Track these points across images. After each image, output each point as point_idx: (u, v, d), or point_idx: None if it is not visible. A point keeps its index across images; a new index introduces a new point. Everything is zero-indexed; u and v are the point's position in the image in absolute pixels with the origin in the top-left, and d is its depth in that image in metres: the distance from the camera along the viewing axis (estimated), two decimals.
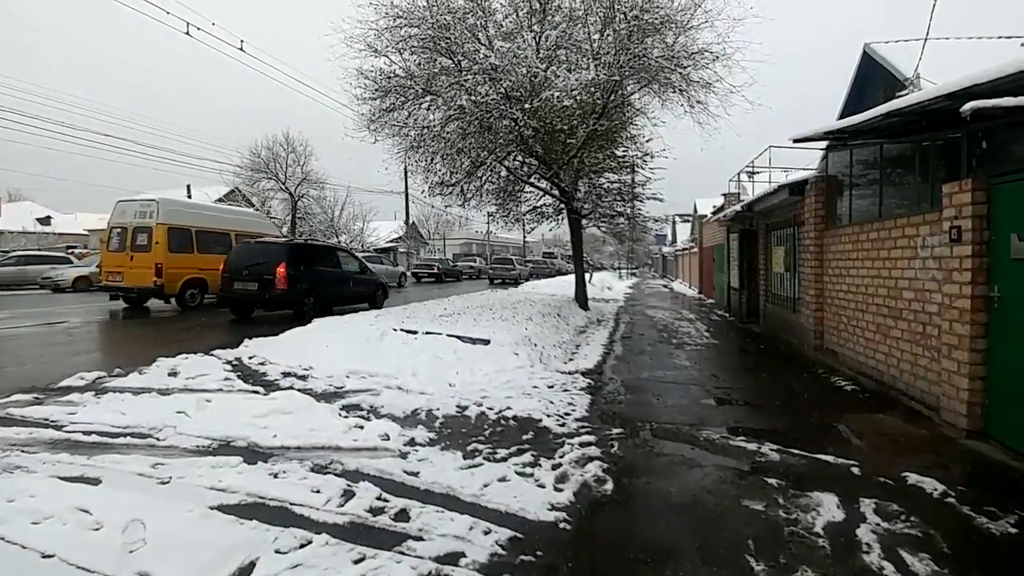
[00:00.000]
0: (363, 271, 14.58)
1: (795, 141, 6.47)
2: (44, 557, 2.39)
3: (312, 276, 12.02)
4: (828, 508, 3.10)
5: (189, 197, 29.87)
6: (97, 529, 2.60)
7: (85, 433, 3.99)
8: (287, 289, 11.20)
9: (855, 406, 5.51)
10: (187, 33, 15.59)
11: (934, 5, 7.45)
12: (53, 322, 10.53)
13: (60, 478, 3.15)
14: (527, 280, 30.14)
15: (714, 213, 21.64)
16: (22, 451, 3.57)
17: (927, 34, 7.95)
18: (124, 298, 13.07)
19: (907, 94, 6.26)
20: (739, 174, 17.14)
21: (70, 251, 29.24)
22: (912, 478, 3.54)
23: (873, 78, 11.88)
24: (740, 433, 4.51)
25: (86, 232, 44.38)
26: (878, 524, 2.94)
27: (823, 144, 8.13)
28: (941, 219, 4.86)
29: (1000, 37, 10.21)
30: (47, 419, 4.26)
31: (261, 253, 11.75)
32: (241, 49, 18.20)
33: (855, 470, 3.71)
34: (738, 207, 12.69)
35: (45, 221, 45.46)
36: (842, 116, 11.89)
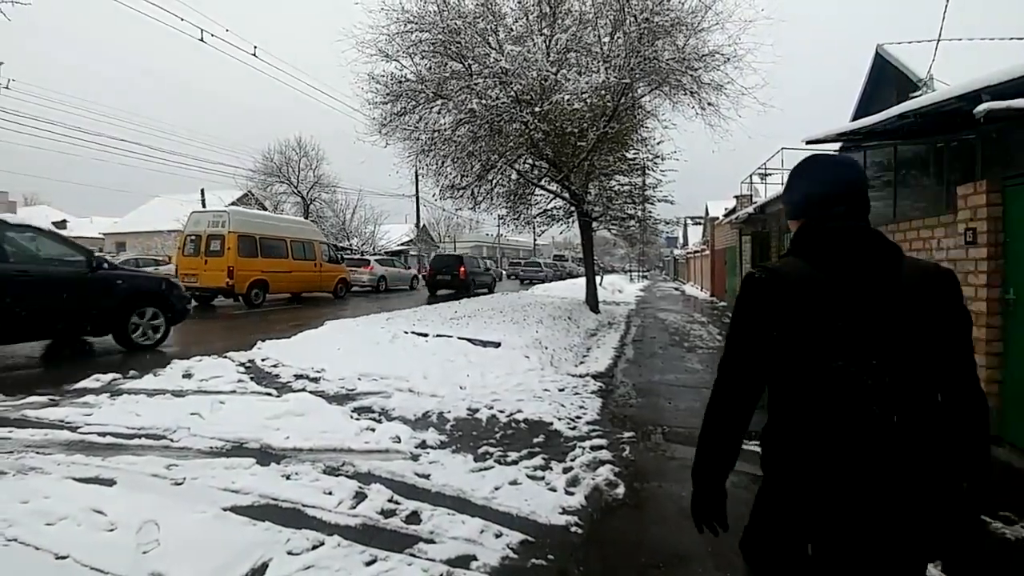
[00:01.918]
0: (488, 270, 25.43)
1: (808, 143, 6.42)
2: (58, 558, 2.40)
3: (472, 272, 22.00)
4: None
5: (203, 202, 30.20)
6: (111, 530, 2.62)
7: (100, 434, 4.03)
8: (464, 279, 20.82)
9: None
10: (201, 39, 15.80)
11: (946, 6, 7.37)
12: None
13: (75, 479, 3.18)
14: (551, 281, 31.79)
15: (726, 215, 21.52)
16: (37, 452, 3.61)
17: (940, 35, 7.86)
18: (195, 297, 14.36)
19: (921, 95, 6.20)
20: (751, 176, 17.04)
21: None
22: None
23: (886, 79, 11.78)
24: (753, 437, 4.45)
25: (101, 236, 44.97)
26: None
27: (836, 146, 8.06)
28: (956, 221, 4.80)
29: (1014, 38, 10.09)
30: (62, 420, 4.31)
31: (448, 260, 22.41)
32: (254, 55, 18.37)
33: None
34: (750, 209, 12.63)
35: (61, 225, 46.05)
36: (855, 117, 11.79)
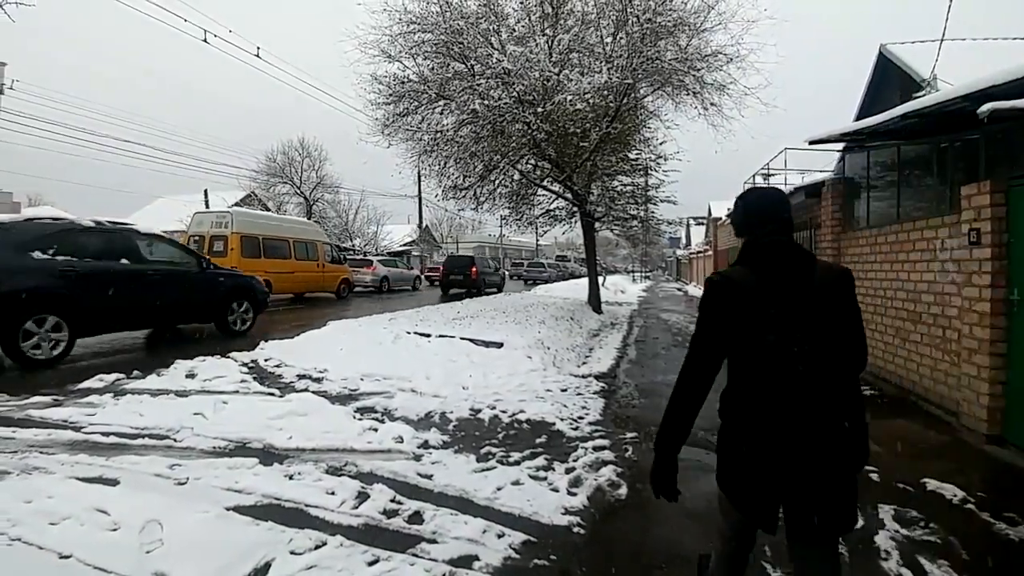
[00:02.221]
0: (497, 270, 26.88)
1: (811, 143, 6.41)
2: (61, 558, 2.41)
3: (483, 273, 23.21)
4: None
5: (206, 203, 30.27)
6: (115, 530, 2.63)
7: (104, 434, 4.04)
8: (476, 279, 22.07)
9: (873, 411, 5.43)
10: (205, 40, 15.84)
11: (950, 6, 7.35)
12: None
13: (78, 479, 3.19)
14: (555, 281, 32.09)
15: (729, 216, 21.47)
16: (41, 452, 3.63)
17: (943, 35, 7.84)
18: None
19: (924, 95, 6.18)
20: (754, 176, 16.96)
21: None
22: (931, 484, 3.48)
23: (889, 79, 11.74)
24: None
25: None
26: (897, 531, 2.90)
27: (839, 146, 8.05)
28: (960, 221, 4.78)
29: (1018, 38, 10.05)
30: (66, 420, 4.32)
31: (461, 260, 23.76)
32: (257, 56, 18.40)
33: (873, 476, 3.65)
34: None
35: None
36: (858, 117, 11.76)
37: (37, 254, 6.55)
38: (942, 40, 7.94)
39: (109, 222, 7.63)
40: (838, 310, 1.62)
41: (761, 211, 1.77)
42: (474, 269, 22.30)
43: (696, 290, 30.72)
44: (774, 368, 1.57)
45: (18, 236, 6.54)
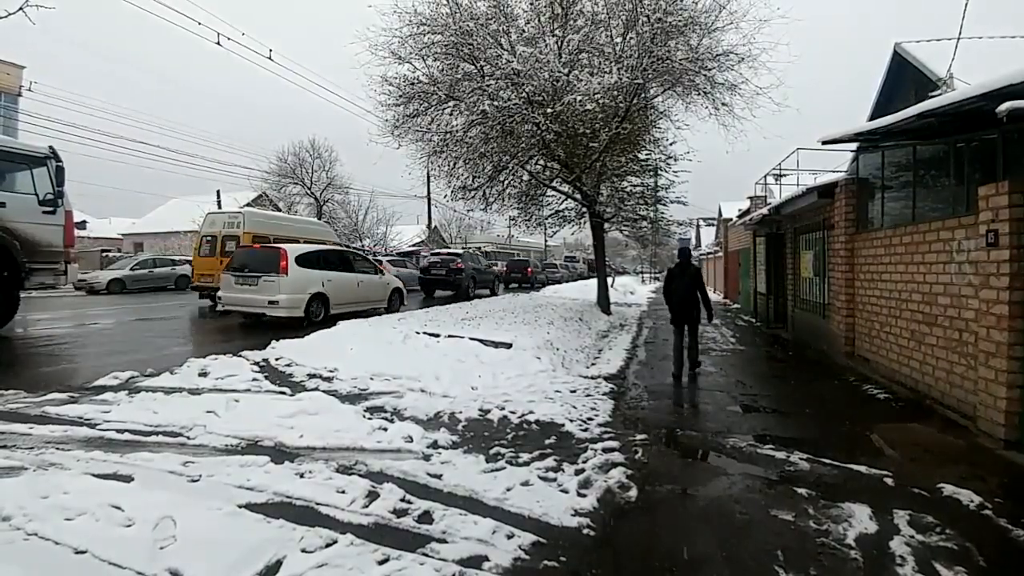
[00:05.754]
0: (543, 270, 35.31)
1: (824, 143, 6.33)
2: (77, 553, 2.44)
3: (535, 272, 31.59)
4: (860, 519, 3.03)
5: (218, 203, 30.51)
6: (129, 526, 2.66)
7: (118, 431, 4.10)
8: (530, 276, 30.38)
9: (888, 415, 5.37)
10: (218, 43, 15.95)
11: (967, 3, 7.24)
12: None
13: (93, 475, 3.23)
14: (566, 282, 33.32)
15: (740, 217, 21.33)
16: (57, 448, 3.68)
17: (960, 33, 7.72)
18: (212, 297, 14.61)
19: (940, 94, 6.09)
20: (765, 177, 16.82)
21: (104, 254, 30.26)
22: (948, 489, 3.43)
23: (904, 78, 11.60)
24: (768, 441, 4.43)
25: (120, 236, 45.58)
26: (912, 536, 2.86)
27: (853, 146, 7.97)
28: (977, 222, 4.72)
29: None
30: (81, 417, 4.38)
31: (520, 263, 32.92)
32: (270, 58, 18.52)
33: (888, 481, 3.61)
34: (765, 210, 12.48)
35: (80, 225, 46.58)
36: (872, 117, 11.62)
37: (469, 264, 20.95)
38: (959, 39, 7.83)
39: (475, 250, 28.34)
40: (694, 281, 7.21)
41: (680, 251, 7.65)
42: (529, 269, 31.07)
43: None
44: (675, 293, 7.27)
45: (466, 257, 21.46)
